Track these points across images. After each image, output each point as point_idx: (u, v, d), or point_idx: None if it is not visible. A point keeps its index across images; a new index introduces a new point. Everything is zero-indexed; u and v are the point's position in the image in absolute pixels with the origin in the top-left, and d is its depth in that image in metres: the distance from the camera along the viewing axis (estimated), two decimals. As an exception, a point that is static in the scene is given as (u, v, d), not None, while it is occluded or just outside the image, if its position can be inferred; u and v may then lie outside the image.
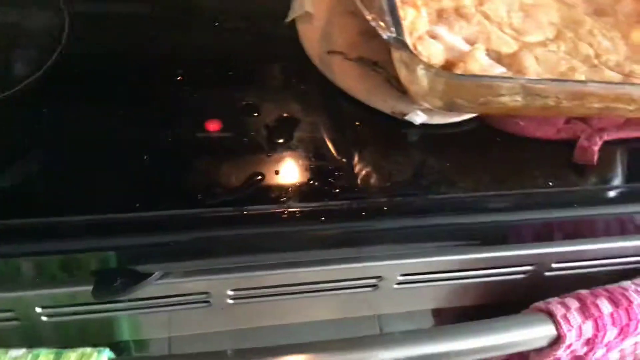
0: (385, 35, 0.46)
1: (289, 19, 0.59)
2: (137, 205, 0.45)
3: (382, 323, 0.65)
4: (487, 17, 0.54)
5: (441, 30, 0.52)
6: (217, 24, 0.59)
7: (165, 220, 0.45)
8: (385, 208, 0.48)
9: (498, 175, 0.51)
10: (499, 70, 0.50)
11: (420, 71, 0.45)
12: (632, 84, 0.49)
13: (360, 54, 0.55)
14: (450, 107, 0.49)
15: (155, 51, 0.56)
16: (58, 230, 0.44)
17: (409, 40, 0.49)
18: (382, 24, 0.46)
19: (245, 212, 0.46)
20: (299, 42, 0.58)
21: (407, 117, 0.52)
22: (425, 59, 0.49)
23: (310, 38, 0.58)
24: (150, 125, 0.50)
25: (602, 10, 0.58)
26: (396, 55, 0.46)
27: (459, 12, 0.54)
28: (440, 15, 0.54)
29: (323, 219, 0.47)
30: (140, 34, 0.57)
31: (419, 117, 0.52)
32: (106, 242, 0.44)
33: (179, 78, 0.54)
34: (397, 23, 0.47)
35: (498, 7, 0.55)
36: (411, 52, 0.45)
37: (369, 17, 0.47)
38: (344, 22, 0.58)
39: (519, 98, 0.47)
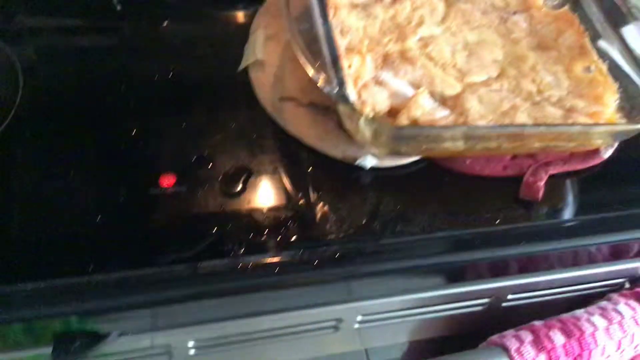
0: (326, 89, 0.46)
1: (241, 67, 0.59)
2: (91, 268, 0.45)
3: (370, 355, 0.66)
4: (431, 59, 0.54)
5: (386, 75, 0.52)
6: (171, 75, 0.58)
7: (119, 283, 0.45)
8: (338, 255, 0.48)
9: (448, 216, 0.51)
10: (442, 113, 0.50)
11: (362, 123, 0.45)
12: (569, 124, 0.49)
13: (311, 99, 0.55)
14: (395, 154, 0.49)
15: (109, 107, 0.56)
16: (11, 298, 0.43)
17: (353, 90, 0.49)
18: (323, 78, 0.46)
19: (199, 269, 0.46)
20: (252, 90, 0.57)
21: (357, 162, 0.52)
22: (369, 107, 0.49)
23: (263, 85, 0.58)
24: (104, 184, 0.50)
25: (545, 44, 0.58)
26: (340, 107, 0.46)
27: (404, 56, 0.54)
28: (386, 60, 0.54)
29: (277, 270, 0.47)
30: (93, 89, 0.56)
31: (368, 162, 0.52)
32: (60, 308, 0.44)
33: (133, 133, 0.53)
34: (339, 76, 0.47)
35: (442, 48, 0.55)
36: (352, 106, 0.45)
37: (310, 72, 0.46)
38: (295, 68, 0.58)
39: (460, 143, 0.47)
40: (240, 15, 0.66)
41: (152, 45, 0.62)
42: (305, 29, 0.52)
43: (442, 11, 0.59)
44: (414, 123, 0.49)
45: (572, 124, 0.49)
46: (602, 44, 0.58)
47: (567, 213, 0.53)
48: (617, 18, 0.59)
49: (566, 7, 0.61)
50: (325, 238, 0.49)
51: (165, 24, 0.64)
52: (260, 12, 0.63)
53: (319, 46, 0.51)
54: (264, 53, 0.59)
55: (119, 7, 0.66)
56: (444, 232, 0.50)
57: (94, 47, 0.62)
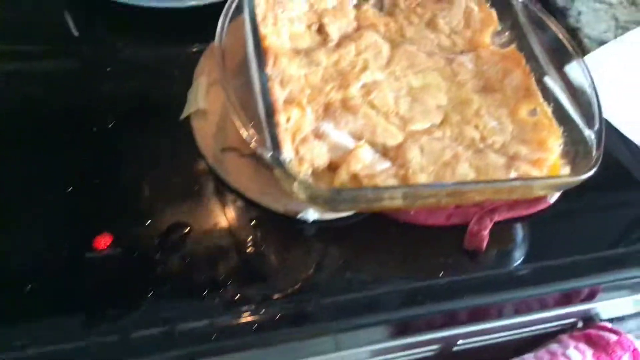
0: (259, 151, 0.43)
1: (183, 115, 0.56)
2: (20, 344, 0.42)
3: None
4: (373, 107, 0.52)
5: (327, 126, 0.50)
6: (111, 124, 0.56)
7: (50, 357, 0.42)
8: (278, 317, 0.46)
9: (392, 268, 0.50)
10: (382, 166, 0.48)
11: (296, 188, 0.43)
12: (509, 180, 0.47)
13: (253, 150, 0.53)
14: (334, 210, 0.47)
15: (44, 162, 0.53)
16: None
17: (290, 147, 0.47)
18: (257, 139, 0.44)
19: (132, 339, 0.43)
20: (193, 140, 0.55)
21: (300, 216, 0.50)
22: (307, 164, 0.47)
23: (205, 135, 0.55)
24: (36, 248, 0.47)
25: (491, 85, 0.56)
26: (275, 171, 0.43)
27: (346, 105, 0.52)
28: (328, 110, 0.52)
29: (215, 336, 0.45)
30: (27, 146, 0.54)
31: (310, 215, 0.50)
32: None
33: (70, 190, 0.51)
34: (273, 135, 0.45)
35: (386, 95, 0.53)
36: (286, 171, 0.43)
37: (244, 133, 0.44)
38: (238, 116, 0.56)
39: (399, 201, 0.45)
40: (193, 53, 0.64)
41: (96, 90, 0.60)
42: (242, 83, 0.50)
43: (387, 54, 0.57)
44: (354, 178, 0.47)
45: (512, 179, 0.47)
46: (549, 82, 0.57)
47: (514, 262, 0.51)
48: (561, 55, 0.57)
49: (513, 45, 0.59)
50: (267, 297, 0.47)
51: (109, 69, 0.62)
52: (204, 56, 0.61)
53: (256, 100, 0.49)
54: (206, 101, 0.57)
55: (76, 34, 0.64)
56: (387, 287, 0.48)
57: (24, 119, 0.58)
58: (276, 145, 0.45)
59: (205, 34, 0.60)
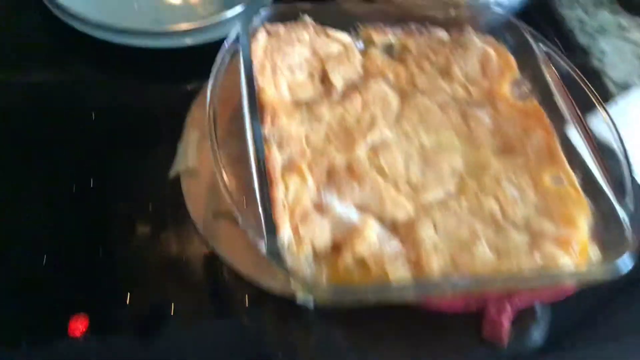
0: (251, 238, 0.38)
1: (171, 174, 0.51)
2: None
3: None
4: (381, 172, 0.47)
5: (330, 198, 0.44)
6: (92, 184, 0.50)
7: None
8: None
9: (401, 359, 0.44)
10: (392, 245, 0.43)
11: (294, 285, 0.37)
12: (533, 278, 0.41)
13: (248, 216, 0.47)
14: (337, 305, 0.41)
15: (18, 226, 0.47)
16: None
17: (288, 227, 0.41)
18: (247, 223, 0.38)
19: None
20: (183, 202, 0.49)
21: (299, 299, 0.44)
22: (308, 244, 0.41)
23: (195, 197, 0.50)
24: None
25: (510, 146, 0.51)
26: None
27: (351, 170, 0.46)
28: (331, 176, 0.46)
29: None
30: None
31: (311, 302, 0.44)
32: None
33: (43, 263, 0.45)
34: (268, 217, 0.39)
35: (395, 158, 0.48)
36: (285, 268, 0.37)
37: (235, 212, 0.39)
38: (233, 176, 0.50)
39: (409, 294, 0.39)
40: (189, 92, 0.57)
41: (80, 141, 0.54)
42: (235, 138, 0.45)
43: (397, 107, 0.52)
44: (360, 262, 0.42)
45: (538, 275, 0.41)
46: (574, 140, 0.51)
47: (536, 349, 0.45)
48: (586, 109, 0.51)
49: (534, 99, 0.53)
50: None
51: (93, 115, 0.56)
52: (195, 104, 0.55)
53: (250, 167, 0.43)
54: (197, 158, 0.51)
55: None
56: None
57: None
58: (271, 227, 0.39)
59: (202, 71, 0.54)
